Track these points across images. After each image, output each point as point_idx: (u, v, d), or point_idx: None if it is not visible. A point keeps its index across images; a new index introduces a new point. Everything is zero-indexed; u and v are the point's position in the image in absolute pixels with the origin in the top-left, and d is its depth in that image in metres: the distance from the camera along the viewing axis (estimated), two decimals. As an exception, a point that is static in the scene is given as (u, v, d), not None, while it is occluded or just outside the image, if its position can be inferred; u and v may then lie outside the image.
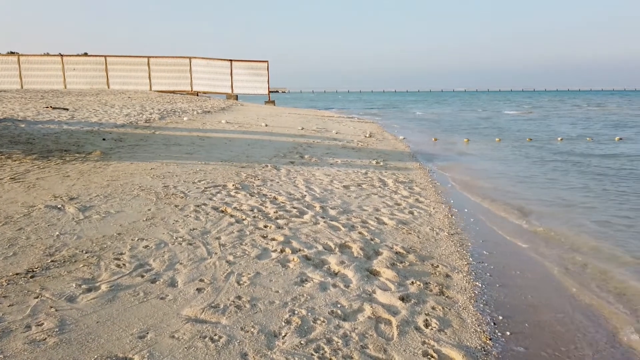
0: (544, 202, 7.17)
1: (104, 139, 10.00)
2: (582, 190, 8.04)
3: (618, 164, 10.71)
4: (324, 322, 3.05)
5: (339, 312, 3.20)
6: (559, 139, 16.50)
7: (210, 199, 5.89)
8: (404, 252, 4.52)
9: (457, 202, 6.97)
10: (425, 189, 7.60)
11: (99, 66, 32.22)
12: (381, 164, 9.90)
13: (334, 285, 3.62)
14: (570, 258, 4.75)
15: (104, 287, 3.34)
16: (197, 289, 3.40)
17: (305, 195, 6.48)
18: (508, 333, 3.22)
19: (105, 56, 32.34)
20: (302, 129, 16.33)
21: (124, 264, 3.75)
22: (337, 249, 4.44)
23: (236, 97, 33.83)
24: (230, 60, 33.66)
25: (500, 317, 3.44)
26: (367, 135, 15.80)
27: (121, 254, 3.96)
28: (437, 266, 4.25)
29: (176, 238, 4.42)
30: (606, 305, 3.75)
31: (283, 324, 3.00)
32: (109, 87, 31.93)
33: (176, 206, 5.48)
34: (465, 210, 6.50)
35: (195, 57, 33.25)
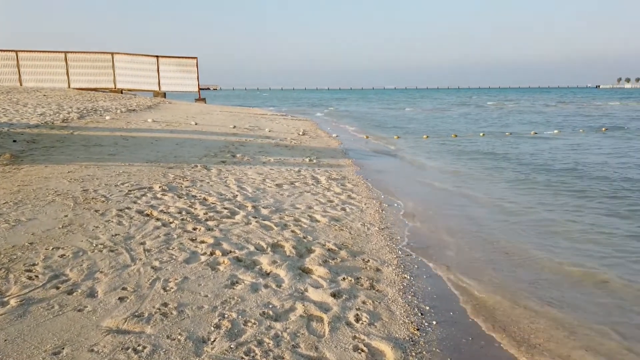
0: (472, 194, 7.55)
1: (14, 141, 9.21)
2: (507, 182, 8.57)
3: (539, 157, 11.56)
4: (255, 324, 3.00)
5: (270, 312, 3.16)
6: (481, 134, 17.51)
7: (135, 202, 5.60)
8: (336, 248, 4.56)
9: (388, 196, 7.16)
10: (357, 185, 7.74)
11: (9, 62, 29.60)
12: (314, 161, 9.95)
13: (266, 286, 3.57)
14: (491, 247, 5.03)
15: (13, 302, 3.06)
16: (119, 298, 3.21)
17: (236, 195, 6.36)
18: (434, 322, 3.34)
19: (16, 51, 29.77)
20: (234, 127, 16.05)
21: (36, 276, 3.46)
22: (269, 249, 4.39)
23: (164, 95, 32.53)
24: (157, 56, 32.29)
25: (427, 307, 3.56)
26: (301, 133, 15.84)
27: (33, 264, 3.65)
28: (368, 261, 4.33)
29: (96, 245, 4.15)
30: (516, 293, 4.01)
31: (212, 328, 2.91)
32: (21, 85, 29.44)
33: (96, 211, 5.15)
34: (396, 204, 6.69)
35: (118, 53, 31.52)
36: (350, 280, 3.82)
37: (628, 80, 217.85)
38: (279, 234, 4.83)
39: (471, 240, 5.26)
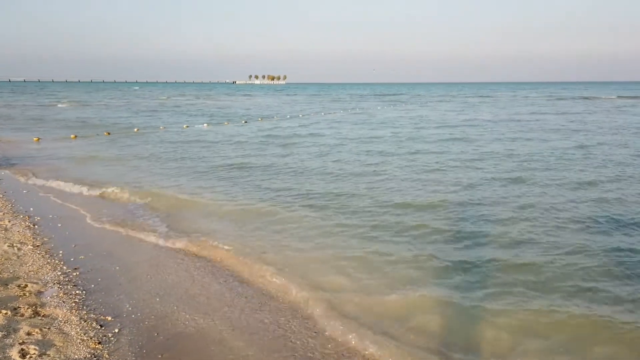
0: (135, 186, 7.45)
1: None
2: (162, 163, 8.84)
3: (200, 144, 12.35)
4: None
5: None
6: (135, 129, 17.28)
7: None
8: (-22, 281, 3.73)
9: (40, 208, 6.24)
10: (-6, 201, 6.42)
11: None
12: None
13: None
14: (169, 239, 5.19)
15: None
16: None
17: None
18: (116, 330, 3.24)
19: None
20: None
21: None
22: None
23: None
24: None
25: (109, 318, 3.40)
26: None
27: None
28: (26, 286, 3.75)
29: None
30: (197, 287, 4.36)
31: None
32: None
33: None
34: (51, 216, 5.93)
35: None
36: (6, 313, 3.24)
37: (257, 77, 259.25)
38: None
39: (149, 233, 5.28)
